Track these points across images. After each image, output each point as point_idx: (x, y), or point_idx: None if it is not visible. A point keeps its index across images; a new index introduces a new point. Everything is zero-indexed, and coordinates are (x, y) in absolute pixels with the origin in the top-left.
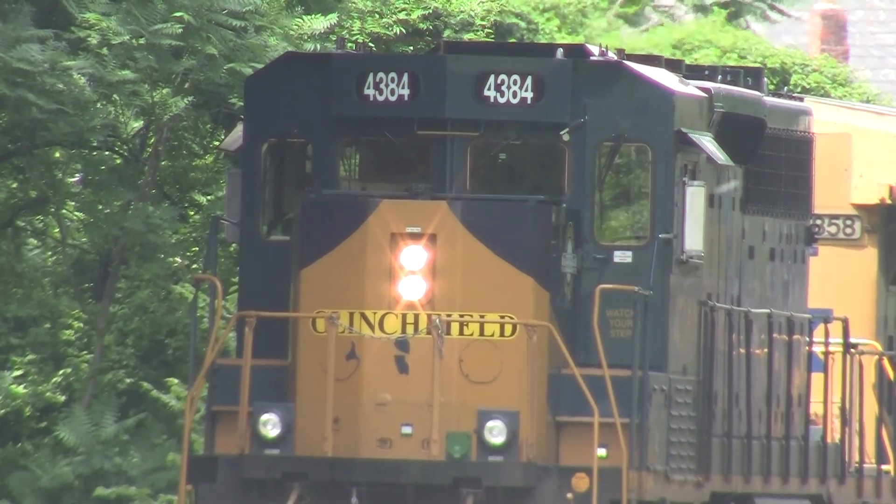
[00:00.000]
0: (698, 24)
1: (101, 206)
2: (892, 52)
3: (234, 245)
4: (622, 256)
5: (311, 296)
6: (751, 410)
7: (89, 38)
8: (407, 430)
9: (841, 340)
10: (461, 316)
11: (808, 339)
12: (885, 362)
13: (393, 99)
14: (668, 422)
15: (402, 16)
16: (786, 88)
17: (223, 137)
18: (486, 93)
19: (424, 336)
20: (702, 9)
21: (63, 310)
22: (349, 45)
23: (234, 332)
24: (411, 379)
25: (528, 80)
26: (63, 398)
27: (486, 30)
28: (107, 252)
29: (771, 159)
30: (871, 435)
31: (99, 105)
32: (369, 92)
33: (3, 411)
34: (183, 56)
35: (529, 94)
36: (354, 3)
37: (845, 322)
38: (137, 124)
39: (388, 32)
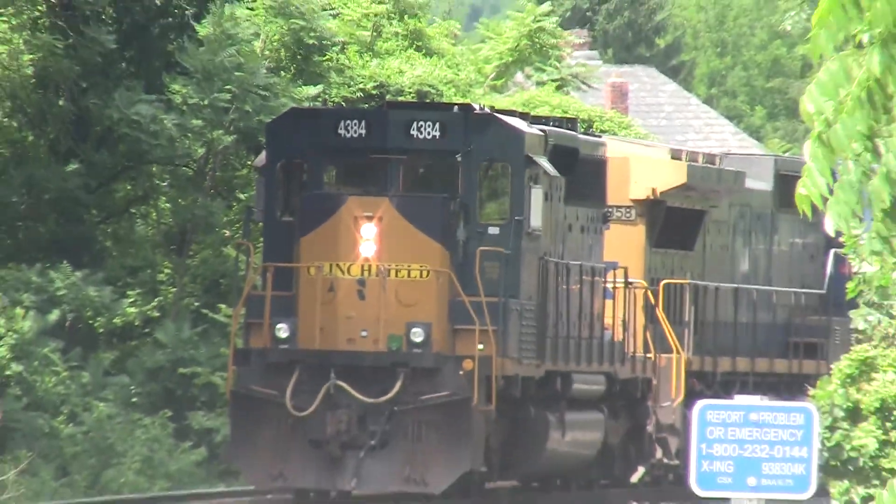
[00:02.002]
0: (539, 92)
1: (180, 201)
2: (655, 108)
3: (260, 223)
4: (493, 230)
5: (307, 254)
6: (569, 322)
7: (175, 99)
8: (364, 333)
9: (623, 280)
10: (396, 266)
11: (602, 279)
12: (648, 293)
13: (356, 136)
14: (520, 328)
15: (361, 86)
16: (590, 130)
17: (254, 159)
18: (412, 132)
19: (375, 277)
20: (541, 83)
21: (158, 262)
22: (330, 103)
23: (260, 276)
24: (367, 303)
25: (437, 125)
26: (158, 314)
27: (411, 95)
28: (184, 228)
29: (582, 172)
30: (640, 337)
31: (180, 140)
32: (341, 132)
33: (122, 322)
34: (231, 111)
35: (437, 133)
36: (333, 78)
37: (625, 270)
38: (202, 150)
39: (353, 96)
